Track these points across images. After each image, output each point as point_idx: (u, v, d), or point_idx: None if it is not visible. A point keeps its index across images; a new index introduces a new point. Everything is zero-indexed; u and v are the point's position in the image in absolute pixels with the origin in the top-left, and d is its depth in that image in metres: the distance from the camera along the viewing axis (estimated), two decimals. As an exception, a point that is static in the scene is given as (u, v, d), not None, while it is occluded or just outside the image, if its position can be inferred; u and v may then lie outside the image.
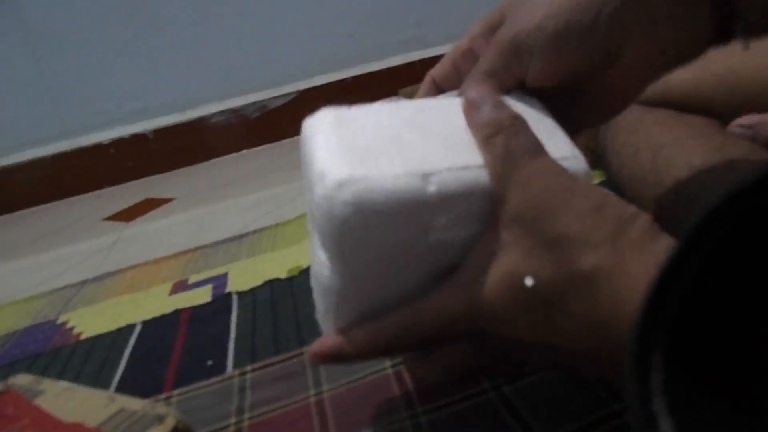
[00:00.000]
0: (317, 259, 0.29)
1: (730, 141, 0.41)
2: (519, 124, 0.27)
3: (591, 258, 0.23)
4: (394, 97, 0.28)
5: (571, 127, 0.30)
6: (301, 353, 0.46)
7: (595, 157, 0.65)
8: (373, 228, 0.25)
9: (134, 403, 0.35)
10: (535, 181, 0.25)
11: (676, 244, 0.15)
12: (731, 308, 0.16)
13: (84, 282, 0.75)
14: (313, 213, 0.27)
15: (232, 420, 0.41)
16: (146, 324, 0.58)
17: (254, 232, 0.79)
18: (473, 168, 0.26)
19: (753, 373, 0.16)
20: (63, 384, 0.38)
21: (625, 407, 0.34)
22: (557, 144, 0.28)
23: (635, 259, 0.22)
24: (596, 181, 0.65)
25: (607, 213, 0.24)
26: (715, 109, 0.46)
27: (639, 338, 0.15)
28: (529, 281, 0.24)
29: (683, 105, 0.47)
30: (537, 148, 0.26)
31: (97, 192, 1.31)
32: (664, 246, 0.22)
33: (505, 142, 0.26)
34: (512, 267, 0.25)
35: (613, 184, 0.53)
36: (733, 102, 0.45)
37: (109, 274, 0.76)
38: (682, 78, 0.48)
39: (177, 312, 0.59)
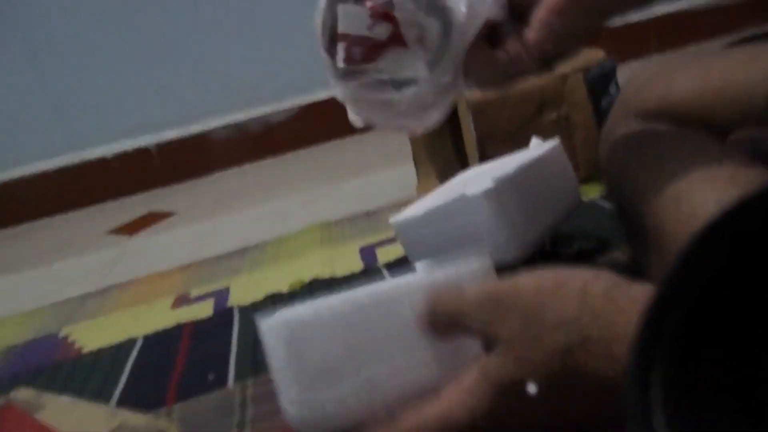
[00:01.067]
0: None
1: (741, 171, 0.41)
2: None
3: (573, 332, 0.24)
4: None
5: None
6: (303, 367, 0.46)
7: (595, 170, 0.66)
8: None
9: (136, 417, 0.35)
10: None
11: (674, 262, 0.15)
12: (729, 322, 0.16)
13: (86, 296, 0.75)
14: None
15: (233, 434, 0.41)
16: (148, 338, 0.58)
17: (256, 246, 0.79)
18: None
19: (753, 383, 0.16)
20: (65, 398, 0.38)
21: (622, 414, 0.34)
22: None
23: (612, 310, 0.24)
24: (595, 194, 0.65)
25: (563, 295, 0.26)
26: (713, 120, 0.46)
27: (638, 354, 0.16)
28: (532, 388, 0.25)
29: (682, 117, 0.47)
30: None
31: (100, 206, 1.32)
32: (636, 289, 0.24)
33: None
34: (506, 376, 0.26)
35: (611, 197, 0.53)
36: (732, 115, 0.45)
37: (112, 288, 0.76)
38: (681, 90, 0.48)
39: (179, 326, 0.59)
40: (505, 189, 0.42)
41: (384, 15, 0.33)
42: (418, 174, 0.77)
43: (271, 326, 0.31)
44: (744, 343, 0.16)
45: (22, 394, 0.39)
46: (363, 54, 0.33)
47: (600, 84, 0.69)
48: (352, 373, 0.30)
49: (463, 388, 0.28)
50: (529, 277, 0.28)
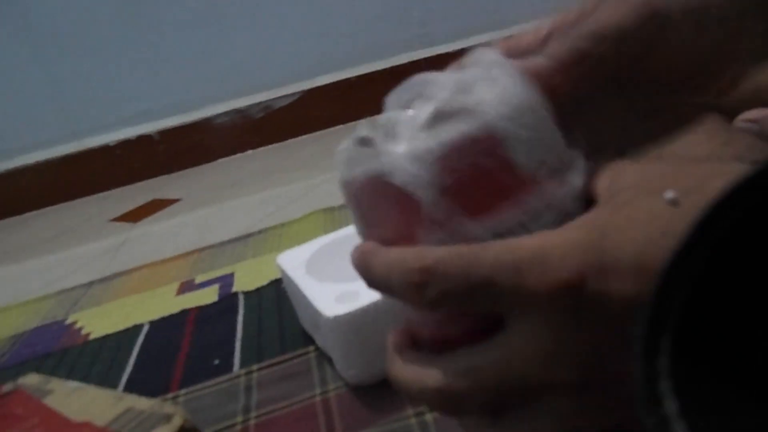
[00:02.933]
0: None
1: (737, 136, 0.41)
2: None
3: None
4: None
5: None
6: (307, 352, 0.47)
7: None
8: None
9: (142, 403, 0.35)
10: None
11: (688, 227, 0.15)
12: (742, 294, 0.16)
13: (92, 283, 0.75)
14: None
15: (239, 419, 0.41)
16: (153, 324, 0.59)
17: (260, 231, 0.79)
18: None
19: (762, 360, 0.16)
20: (72, 384, 0.39)
21: (635, 400, 0.34)
22: None
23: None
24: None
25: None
26: (722, 104, 0.45)
27: (649, 320, 0.15)
28: (670, 194, 0.19)
29: None
30: None
31: (104, 193, 1.32)
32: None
33: None
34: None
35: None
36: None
37: (117, 275, 0.76)
38: None
39: (184, 312, 0.59)
40: None
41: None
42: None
43: (339, 316, 0.37)
44: (756, 318, 0.16)
45: (31, 380, 0.40)
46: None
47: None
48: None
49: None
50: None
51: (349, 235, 0.48)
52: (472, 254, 0.19)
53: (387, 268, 0.22)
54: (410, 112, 0.23)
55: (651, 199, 0.19)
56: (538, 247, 0.19)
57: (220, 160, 1.34)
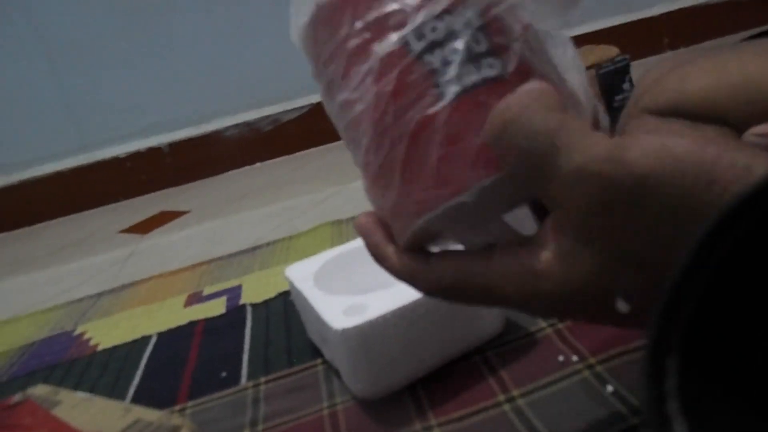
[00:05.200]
0: None
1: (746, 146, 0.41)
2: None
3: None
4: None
5: None
6: (315, 365, 0.47)
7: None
8: None
9: (149, 414, 0.35)
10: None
11: (692, 245, 0.15)
12: (748, 310, 0.16)
13: (100, 294, 0.76)
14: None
15: (246, 431, 0.41)
16: (161, 336, 0.59)
17: (267, 244, 0.79)
18: None
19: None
20: (80, 395, 0.39)
21: (642, 421, 0.34)
22: None
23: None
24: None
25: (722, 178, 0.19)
26: (730, 118, 0.45)
27: (654, 340, 0.15)
28: (623, 307, 0.21)
29: (697, 115, 0.46)
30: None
31: (113, 205, 1.33)
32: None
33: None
34: (594, 281, 0.21)
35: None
36: (750, 111, 0.45)
37: (125, 286, 0.77)
38: (695, 86, 0.47)
39: (191, 324, 0.59)
40: None
41: None
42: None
43: (347, 330, 0.37)
44: (762, 334, 0.16)
45: (39, 390, 0.40)
46: None
47: (613, 81, 0.68)
48: (408, 359, 0.40)
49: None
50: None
51: (357, 248, 0.48)
52: (474, 269, 0.23)
53: (400, 277, 0.26)
54: None
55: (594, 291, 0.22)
56: (488, 285, 0.23)
57: (228, 173, 1.35)
